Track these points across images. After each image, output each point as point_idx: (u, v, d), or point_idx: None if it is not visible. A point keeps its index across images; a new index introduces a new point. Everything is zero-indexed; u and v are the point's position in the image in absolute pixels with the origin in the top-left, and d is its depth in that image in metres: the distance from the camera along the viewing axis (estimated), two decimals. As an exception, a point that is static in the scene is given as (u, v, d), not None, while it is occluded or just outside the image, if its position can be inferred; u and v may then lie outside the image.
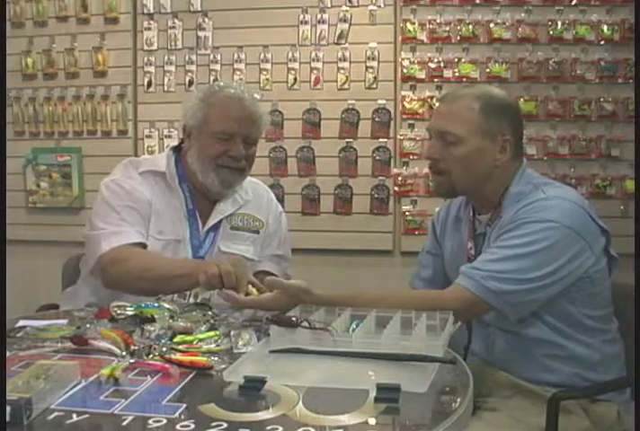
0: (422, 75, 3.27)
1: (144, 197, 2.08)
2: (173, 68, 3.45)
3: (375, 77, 3.31)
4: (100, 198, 2.10)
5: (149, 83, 3.47)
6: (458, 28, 3.24)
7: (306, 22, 3.35)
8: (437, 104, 3.22)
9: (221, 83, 2.25)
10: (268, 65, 3.38)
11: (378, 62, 3.30)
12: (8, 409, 1.06)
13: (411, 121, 3.30)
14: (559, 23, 3.18)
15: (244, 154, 2.08)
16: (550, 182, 1.87)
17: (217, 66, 3.42)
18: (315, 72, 3.35)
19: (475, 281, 1.69)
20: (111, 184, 2.10)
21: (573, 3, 3.18)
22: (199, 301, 1.89)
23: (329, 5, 3.33)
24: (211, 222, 2.14)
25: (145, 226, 2.06)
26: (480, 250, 1.84)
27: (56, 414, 1.12)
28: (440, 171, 1.83)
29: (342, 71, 3.33)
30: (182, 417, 1.12)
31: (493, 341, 1.84)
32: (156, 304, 1.67)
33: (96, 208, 2.11)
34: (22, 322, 1.65)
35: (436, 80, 3.27)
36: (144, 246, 2.03)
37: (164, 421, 1.10)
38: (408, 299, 1.73)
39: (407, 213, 3.30)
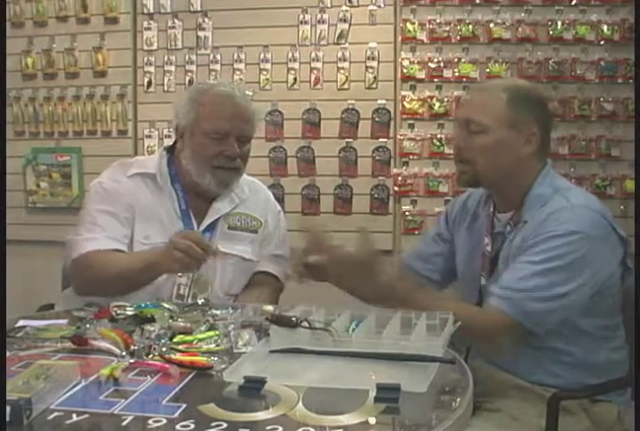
0: (421, 75, 3.26)
1: (125, 202, 2.05)
2: (172, 68, 3.45)
3: (375, 77, 3.31)
4: (85, 202, 2.11)
5: (149, 83, 3.46)
6: (458, 28, 3.23)
7: (306, 22, 3.34)
8: (437, 104, 3.30)
9: (211, 82, 2.22)
10: (268, 65, 3.37)
11: (378, 62, 3.30)
12: (8, 408, 1.06)
13: (411, 121, 3.29)
14: (559, 23, 3.18)
15: (238, 153, 2.06)
16: (571, 187, 1.84)
17: (217, 66, 3.41)
18: (315, 72, 3.34)
19: (514, 305, 1.65)
20: (96, 186, 2.10)
21: (573, 3, 3.17)
22: (198, 301, 1.89)
23: (329, 5, 3.32)
24: (207, 221, 2.12)
25: (122, 232, 2.03)
26: (498, 249, 1.83)
27: (56, 414, 1.12)
28: (465, 160, 1.82)
29: (341, 71, 3.33)
30: (182, 417, 1.12)
31: (496, 343, 1.83)
32: (156, 304, 1.67)
33: (81, 212, 2.12)
34: (21, 322, 1.66)
35: (436, 80, 3.26)
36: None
37: (164, 421, 1.11)
38: (461, 311, 1.63)
39: (407, 213, 3.30)
